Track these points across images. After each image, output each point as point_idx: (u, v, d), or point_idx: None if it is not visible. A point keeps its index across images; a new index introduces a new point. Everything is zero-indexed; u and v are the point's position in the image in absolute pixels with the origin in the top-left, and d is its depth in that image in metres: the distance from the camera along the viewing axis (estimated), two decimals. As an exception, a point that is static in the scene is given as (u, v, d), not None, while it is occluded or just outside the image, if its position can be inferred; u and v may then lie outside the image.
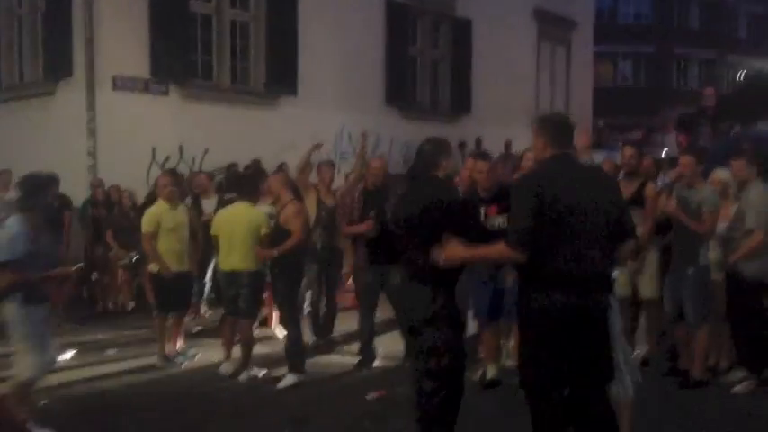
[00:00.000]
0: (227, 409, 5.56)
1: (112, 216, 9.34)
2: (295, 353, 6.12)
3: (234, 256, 6.27)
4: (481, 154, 6.05)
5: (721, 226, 5.71)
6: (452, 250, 3.67)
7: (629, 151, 6.19)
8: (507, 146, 14.63)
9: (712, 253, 5.73)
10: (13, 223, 4.67)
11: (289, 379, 6.02)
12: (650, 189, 6.06)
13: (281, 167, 9.67)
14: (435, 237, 3.74)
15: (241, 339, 6.44)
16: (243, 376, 6.23)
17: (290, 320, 6.24)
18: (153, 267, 6.81)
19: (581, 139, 4.26)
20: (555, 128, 3.67)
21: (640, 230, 5.89)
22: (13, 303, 4.64)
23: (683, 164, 5.83)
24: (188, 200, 8.61)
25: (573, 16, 18.80)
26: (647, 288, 6.14)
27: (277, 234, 6.14)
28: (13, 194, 9.17)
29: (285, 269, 6.12)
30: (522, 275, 3.58)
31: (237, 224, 6.27)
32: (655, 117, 26.66)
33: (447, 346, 3.81)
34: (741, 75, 31.39)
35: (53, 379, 6.34)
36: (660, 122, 23.09)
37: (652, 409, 5.23)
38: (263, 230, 6.24)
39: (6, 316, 4.72)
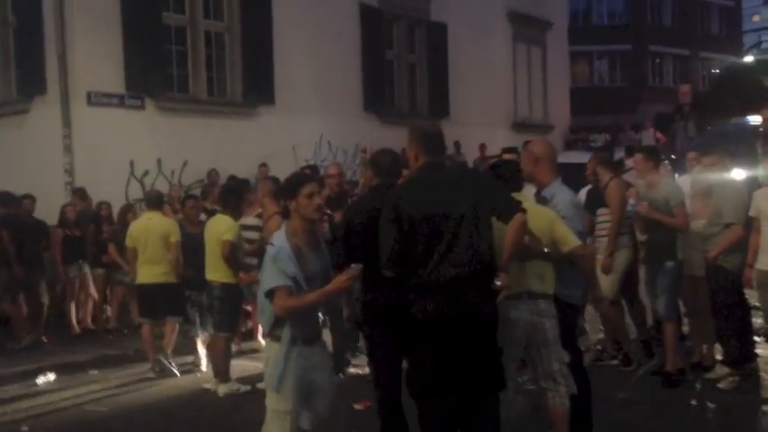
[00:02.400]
0: (212, 425, 5.50)
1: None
2: None
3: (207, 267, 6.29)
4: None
5: (700, 223, 5.75)
6: None
7: (590, 162, 6.48)
8: (482, 149, 14.71)
9: (692, 250, 5.77)
10: (277, 240, 3.56)
11: None
12: (611, 187, 6.10)
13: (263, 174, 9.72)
14: None
15: (211, 353, 6.38)
16: (222, 390, 6.16)
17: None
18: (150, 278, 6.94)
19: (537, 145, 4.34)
20: (422, 137, 3.76)
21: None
22: (275, 342, 3.56)
23: (635, 161, 6.08)
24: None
25: (547, 17, 18.94)
26: (606, 286, 6.10)
27: (263, 249, 6.07)
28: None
29: None
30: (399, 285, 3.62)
31: (210, 236, 6.26)
32: (632, 115, 26.91)
33: None
34: (714, 73, 31.88)
35: (35, 402, 6.26)
36: (638, 120, 23.31)
37: (636, 408, 5.25)
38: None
39: (269, 357, 3.60)
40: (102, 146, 10.51)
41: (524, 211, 3.59)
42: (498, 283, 3.52)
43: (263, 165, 11.29)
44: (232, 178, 10.51)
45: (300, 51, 12.90)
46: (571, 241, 4.00)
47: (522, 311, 3.87)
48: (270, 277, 3.48)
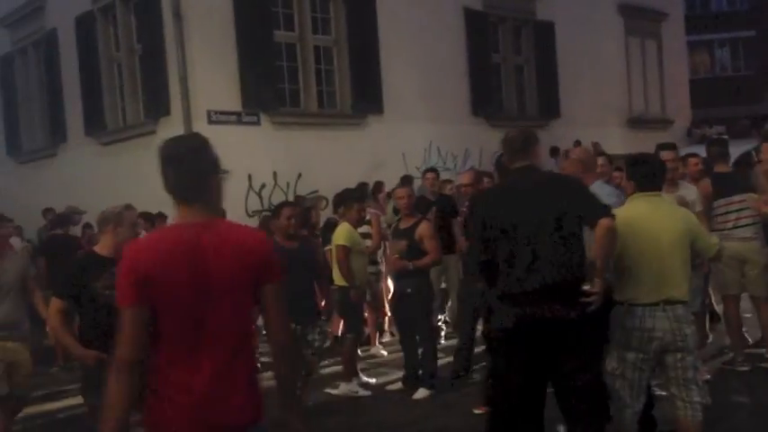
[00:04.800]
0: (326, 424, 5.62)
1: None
2: (430, 368, 6.29)
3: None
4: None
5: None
6: None
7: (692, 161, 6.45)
8: (595, 147, 14.19)
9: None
10: None
11: (421, 392, 6.19)
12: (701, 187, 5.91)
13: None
14: None
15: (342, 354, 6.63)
16: (341, 389, 6.39)
17: (424, 336, 6.37)
18: None
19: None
20: (505, 143, 3.78)
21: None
22: None
23: (763, 150, 5.87)
24: None
25: (661, 7, 18.14)
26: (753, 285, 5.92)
27: (411, 250, 6.25)
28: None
29: (420, 287, 6.22)
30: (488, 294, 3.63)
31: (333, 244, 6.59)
32: (759, 104, 25.28)
33: None
34: None
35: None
36: (765, 110, 21.87)
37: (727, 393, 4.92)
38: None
39: None
40: (222, 161, 10.96)
41: (612, 216, 3.49)
42: (587, 289, 3.41)
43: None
44: (362, 185, 10.53)
45: (407, 60, 13.01)
46: (713, 242, 3.93)
47: (659, 319, 3.66)
48: None
